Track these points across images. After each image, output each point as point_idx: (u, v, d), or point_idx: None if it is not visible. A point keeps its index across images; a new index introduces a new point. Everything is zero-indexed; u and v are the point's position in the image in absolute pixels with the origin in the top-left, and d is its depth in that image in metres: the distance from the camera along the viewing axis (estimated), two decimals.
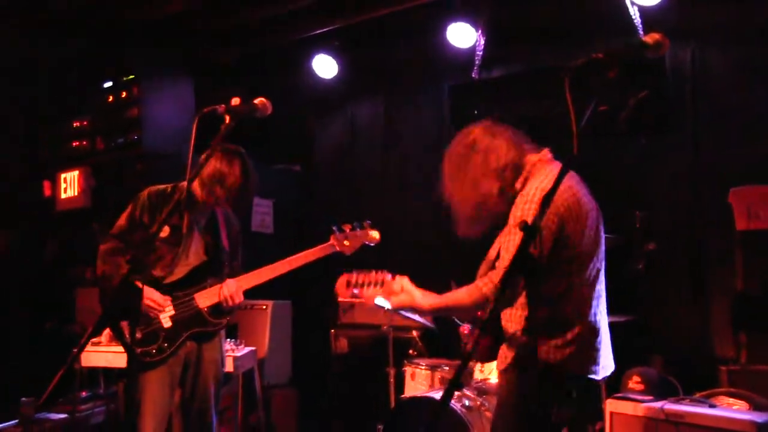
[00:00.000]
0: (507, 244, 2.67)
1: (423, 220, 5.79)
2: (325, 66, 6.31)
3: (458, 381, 2.61)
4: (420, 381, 4.73)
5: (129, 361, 3.77)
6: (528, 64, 5.75)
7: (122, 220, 3.86)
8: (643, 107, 4.93)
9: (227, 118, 2.75)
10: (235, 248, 4.01)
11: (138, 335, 3.69)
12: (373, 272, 2.97)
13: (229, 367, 4.38)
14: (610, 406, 3.85)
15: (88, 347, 4.69)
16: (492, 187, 2.82)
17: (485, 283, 2.69)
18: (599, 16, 5.27)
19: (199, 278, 3.82)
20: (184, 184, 3.84)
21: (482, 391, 4.32)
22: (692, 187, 4.87)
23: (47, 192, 6.20)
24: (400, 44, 6.22)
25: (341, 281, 3.00)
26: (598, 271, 2.79)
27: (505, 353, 2.78)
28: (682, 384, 4.14)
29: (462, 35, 5.64)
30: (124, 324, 3.71)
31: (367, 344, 5.77)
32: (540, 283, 2.59)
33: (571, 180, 2.76)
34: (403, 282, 2.87)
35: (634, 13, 5.04)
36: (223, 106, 2.78)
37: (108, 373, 5.04)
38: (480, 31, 5.65)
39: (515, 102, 5.63)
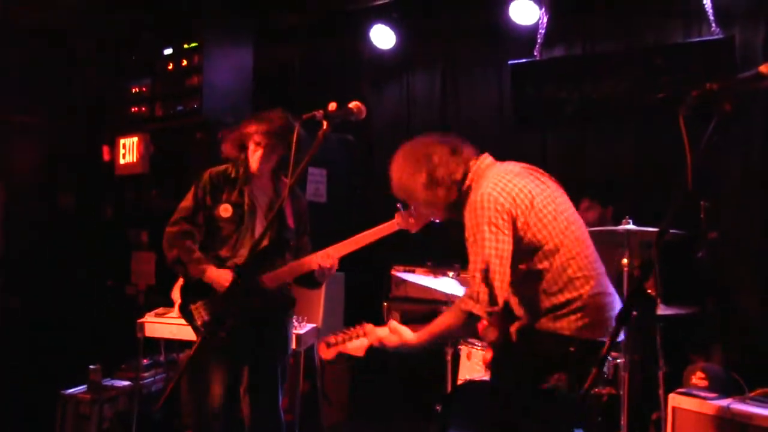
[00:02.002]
0: (474, 256, 2.76)
1: None
2: (383, 36, 6.29)
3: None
4: (476, 361, 4.73)
5: (199, 343, 3.84)
6: (591, 45, 5.65)
7: (187, 201, 3.88)
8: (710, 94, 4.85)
9: (325, 124, 2.79)
10: (302, 224, 4.01)
11: (206, 318, 3.74)
12: (351, 329, 3.04)
13: (292, 344, 4.44)
14: (673, 401, 3.86)
15: (152, 317, 4.81)
16: (440, 195, 2.97)
17: (463, 301, 2.78)
18: None
19: (266, 258, 3.81)
20: (242, 157, 3.88)
21: None
22: (761, 177, 4.81)
23: (106, 157, 6.25)
24: (461, 18, 6.13)
25: (322, 346, 3.07)
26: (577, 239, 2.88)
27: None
28: (743, 376, 4.15)
29: (525, 12, 5.57)
30: (194, 307, 3.78)
31: (420, 318, 5.82)
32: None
33: (510, 174, 2.88)
34: (390, 324, 2.97)
35: None
36: (321, 111, 2.82)
37: (168, 341, 5.13)
38: (543, 9, 5.57)
39: (576, 82, 5.55)
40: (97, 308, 6.09)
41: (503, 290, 2.73)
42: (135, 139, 6.07)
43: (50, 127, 6.25)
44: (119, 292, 6.14)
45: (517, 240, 2.78)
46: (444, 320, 2.89)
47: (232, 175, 3.87)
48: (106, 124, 6.37)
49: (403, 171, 3.03)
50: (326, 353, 3.05)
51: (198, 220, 3.83)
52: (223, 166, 3.94)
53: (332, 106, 2.86)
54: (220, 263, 3.76)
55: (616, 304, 2.89)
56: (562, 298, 2.80)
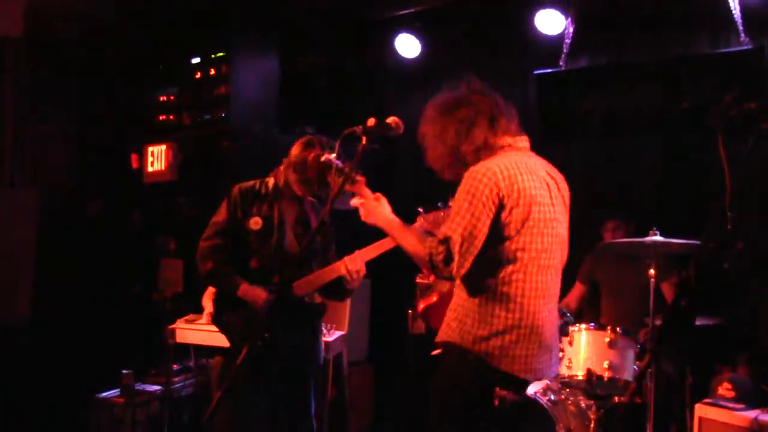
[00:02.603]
0: (451, 220, 2.77)
1: None
2: (408, 45, 6.35)
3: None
4: None
5: (232, 354, 3.94)
6: (617, 56, 5.69)
7: (220, 216, 3.97)
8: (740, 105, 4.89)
9: (364, 139, 2.87)
10: (327, 240, 4.10)
11: (240, 329, 3.84)
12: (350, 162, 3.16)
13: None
14: (699, 411, 3.93)
15: (183, 324, 4.91)
16: (464, 155, 2.96)
17: (429, 247, 2.79)
18: (693, 7, 5.21)
19: (293, 269, 3.88)
20: (270, 178, 4.00)
21: (567, 384, 4.42)
22: None
23: (134, 164, 6.36)
24: (486, 28, 6.17)
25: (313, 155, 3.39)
26: (546, 267, 2.85)
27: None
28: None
29: (551, 22, 5.61)
30: (227, 318, 3.87)
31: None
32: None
33: (524, 167, 2.86)
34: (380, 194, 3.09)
35: (734, 5, 4.98)
36: (360, 127, 2.91)
37: (198, 347, 5.23)
38: (569, 19, 5.62)
39: (602, 93, 5.62)
40: (124, 314, 6.19)
41: (463, 266, 2.72)
42: (163, 147, 6.17)
43: (80, 135, 6.37)
44: (146, 298, 6.25)
45: (494, 227, 2.75)
46: (411, 238, 2.93)
47: (262, 192, 3.97)
48: (134, 133, 6.48)
49: (440, 113, 3.13)
50: (313, 162, 3.43)
51: (231, 233, 3.93)
52: (251, 182, 4.04)
53: (371, 121, 2.93)
54: (250, 274, 3.85)
55: (542, 355, 2.85)
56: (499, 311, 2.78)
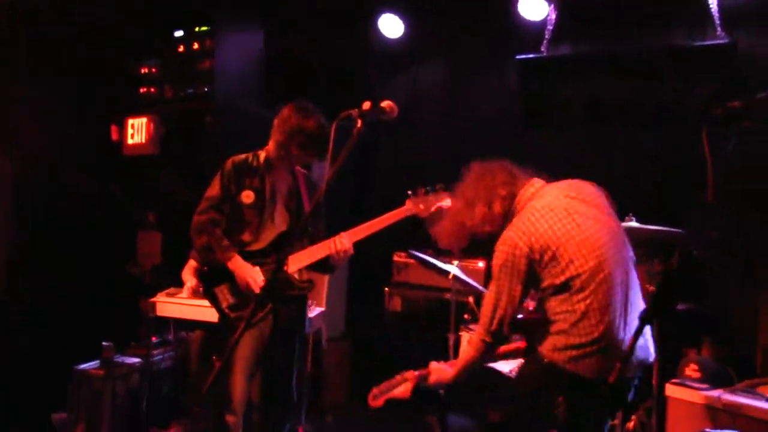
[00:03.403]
0: (489, 291, 3.10)
1: None
2: (391, 25, 6.46)
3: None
4: None
5: (222, 325, 4.06)
6: (598, 45, 5.81)
7: (214, 190, 4.06)
8: (713, 98, 5.06)
9: (359, 122, 2.94)
10: (318, 215, 4.20)
11: (231, 300, 3.95)
12: (393, 379, 3.46)
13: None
14: (668, 390, 4.11)
15: (164, 297, 4.99)
16: (485, 225, 3.26)
17: (478, 332, 3.16)
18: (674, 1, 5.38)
19: (285, 243, 4.00)
20: (262, 151, 4.09)
21: None
22: (755, 174, 4.99)
23: (114, 136, 6.37)
24: (470, 10, 6.28)
25: (370, 396, 3.47)
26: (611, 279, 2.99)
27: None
28: (732, 368, 4.40)
29: (534, 8, 5.76)
30: (218, 290, 3.98)
31: (421, 304, 6.05)
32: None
33: (538, 213, 3.09)
34: (431, 366, 3.36)
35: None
36: (356, 110, 2.98)
37: (178, 321, 5.31)
38: (552, 6, 5.75)
39: (583, 81, 5.73)
40: (102, 287, 6.25)
41: (506, 324, 3.06)
42: (144, 120, 6.20)
43: (58, 106, 6.35)
44: (124, 271, 6.30)
45: (534, 279, 3.03)
46: (467, 353, 3.27)
47: (254, 164, 4.06)
48: (114, 104, 6.48)
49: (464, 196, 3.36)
50: (375, 402, 3.44)
51: (225, 208, 4.03)
52: (244, 155, 4.13)
53: (366, 104, 3.01)
54: (242, 247, 3.97)
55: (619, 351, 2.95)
56: (573, 339, 2.94)
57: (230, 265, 3.89)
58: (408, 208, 4.07)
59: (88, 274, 6.22)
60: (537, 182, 3.25)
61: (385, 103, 3.05)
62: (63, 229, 6.20)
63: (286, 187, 4.12)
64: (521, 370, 3.39)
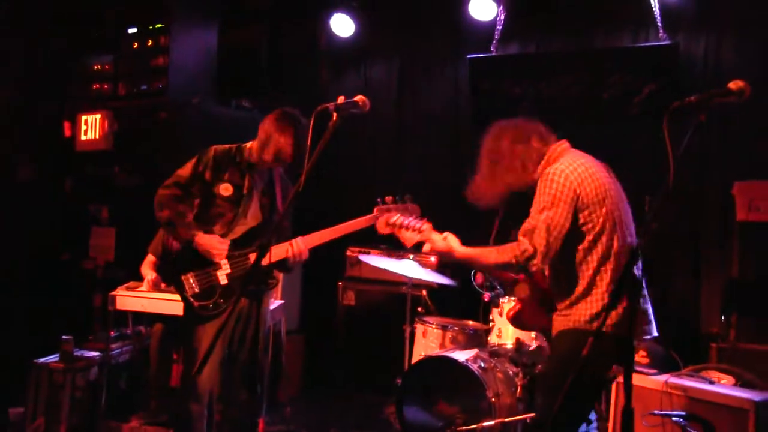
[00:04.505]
0: (535, 220, 3.11)
1: (430, 182, 6.14)
2: (343, 24, 6.56)
3: None
4: (431, 339, 5.05)
5: (186, 313, 4.12)
6: (545, 44, 6.05)
7: (185, 171, 4.11)
8: (656, 96, 5.32)
9: (335, 115, 3.08)
10: (287, 209, 4.30)
11: (197, 290, 4.02)
12: (413, 219, 3.47)
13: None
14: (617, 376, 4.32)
15: (124, 291, 5.02)
16: (521, 177, 3.32)
17: (517, 248, 3.11)
18: (619, 2, 5.63)
19: (255, 239, 4.09)
20: (246, 145, 4.18)
21: (495, 353, 4.77)
22: (698, 177, 5.29)
23: (67, 132, 6.38)
24: (421, 11, 6.45)
25: (382, 220, 3.54)
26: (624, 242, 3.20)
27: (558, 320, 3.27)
28: (678, 353, 4.65)
29: (483, 8, 5.92)
30: (185, 278, 4.05)
31: (374, 297, 6.18)
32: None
33: (585, 158, 3.27)
34: (447, 234, 3.34)
35: (654, 2, 5.39)
36: (332, 104, 3.11)
37: (136, 315, 5.36)
38: (501, 7, 5.94)
39: (531, 79, 5.92)
40: (53, 282, 6.24)
41: (549, 256, 3.09)
42: (98, 116, 6.21)
43: (10, 100, 6.33)
44: (76, 266, 6.30)
45: (575, 218, 3.12)
46: (491, 253, 3.22)
47: (237, 159, 4.14)
48: (66, 100, 6.48)
49: (501, 141, 3.38)
50: (383, 228, 3.50)
51: (192, 189, 4.09)
52: (227, 146, 4.19)
53: (341, 99, 3.15)
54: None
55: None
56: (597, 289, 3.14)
57: (196, 240, 3.97)
58: (375, 215, 4.15)
59: (41, 270, 6.21)
60: (564, 143, 3.39)
61: (358, 98, 3.17)
62: (15, 224, 6.18)
63: (262, 184, 4.22)
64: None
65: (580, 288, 3.15)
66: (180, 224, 4.01)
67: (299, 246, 4.01)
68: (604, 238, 3.12)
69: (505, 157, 3.35)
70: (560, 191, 3.12)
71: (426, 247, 3.39)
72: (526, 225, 3.13)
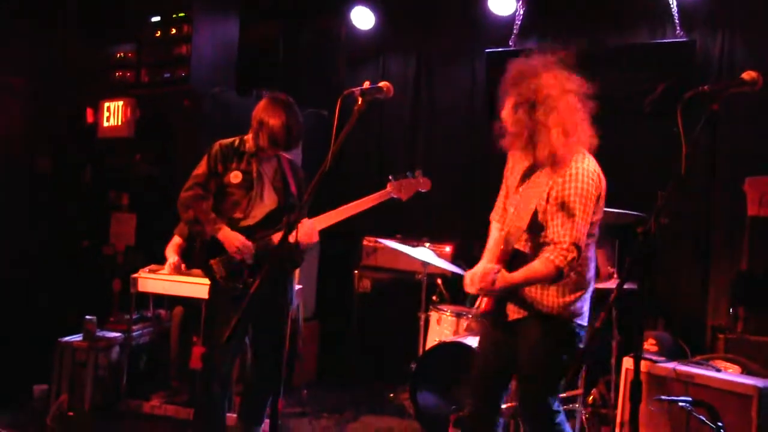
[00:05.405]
0: (569, 220, 3.22)
1: (445, 176, 6.20)
2: (362, 17, 6.74)
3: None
4: (445, 327, 5.17)
5: (213, 295, 4.30)
6: (564, 39, 6.12)
7: (200, 170, 4.30)
8: (669, 93, 5.44)
9: (360, 100, 3.18)
10: (301, 192, 4.43)
11: (225, 273, 4.21)
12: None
13: None
14: (626, 363, 4.46)
15: (146, 273, 5.20)
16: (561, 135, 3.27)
17: (557, 258, 3.19)
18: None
19: (275, 221, 4.27)
20: (248, 136, 4.35)
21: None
22: (709, 172, 5.41)
23: (89, 119, 6.53)
24: (440, 5, 6.60)
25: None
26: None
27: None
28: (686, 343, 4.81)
29: (503, 3, 6.08)
30: (213, 262, 4.23)
31: (389, 286, 6.34)
32: None
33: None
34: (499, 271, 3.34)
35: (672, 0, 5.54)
36: (358, 89, 3.21)
37: (156, 298, 5.54)
38: (521, 2, 6.09)
39: None
40: (76, 267, 6.42)
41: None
42: (120, 103, 6.36)
43: (32, 88, 6.50)
44: (97, 252, 6.48)
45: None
46: (536, 268, 3.27)
47: (241, 148, 4.32)
48: (89, 88, 6.63)
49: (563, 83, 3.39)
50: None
51: (210, 186, 4.27)
52: (231, 139, 4.37)
53: (366, 84, 3.24)
54: (235, 224, 4.22)
55: None
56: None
57: (220, 236, 4.14)
58: (389, 191, 4.32)
59: (62, 256, 6.39)
60: None
61: (383, 84, 3.27)
62: (34, 210, 6.36)
63: (272, 170, 4.38)
64: None
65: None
66: (206, 221, 4.18)
67: (305, 229, 4.11)
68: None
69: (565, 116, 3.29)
70: (593, 194, 3.27)
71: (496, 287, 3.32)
72: (571, 235, 3.23)
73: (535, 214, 3.32)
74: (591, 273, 3.47)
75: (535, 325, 3.41)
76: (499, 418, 3.62)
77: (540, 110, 3.30)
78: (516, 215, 3.40)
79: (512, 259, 3.36)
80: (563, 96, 3.33)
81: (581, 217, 3.23)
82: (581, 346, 3.42)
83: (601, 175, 3.33)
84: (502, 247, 3.40)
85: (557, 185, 3.30)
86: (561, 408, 3.48)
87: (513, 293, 3.40)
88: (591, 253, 3.45)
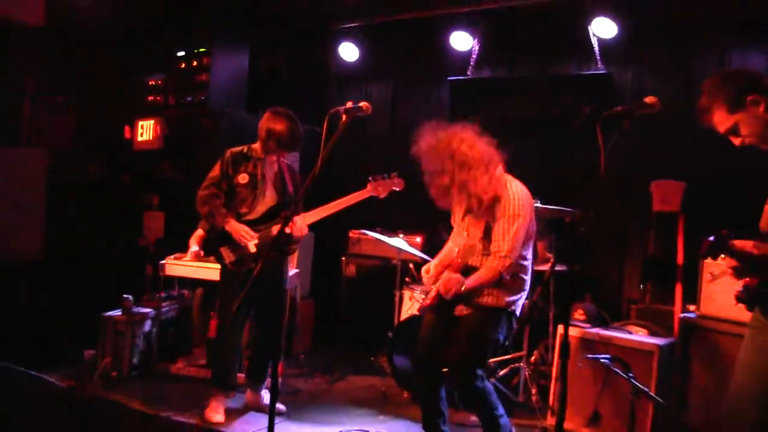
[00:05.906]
0: (506, 233, 3.52)
1: (417, 179, 6.32)
2: (349, 51, 6.85)
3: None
4: (415, 303, 5.18)
5: (223, 277, 4.44)
6: (510, 70, 6.30)
7: (215, 172, 4.44)
8: (594, 113, 5.58)
9: (344, 117, 3.26)
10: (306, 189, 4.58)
11: (233, 258, 4.36)
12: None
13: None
14: (560, 329, 4.62)
15: (172, 260, 5.30)
16: (482, 182, 3.55)
17: (498, 264, 3.53)
18: (568, 36, 5.86)
19: (274, 215, 4.42)
20: (255, 145, 4.47)
21: None
22: (624, 176, 5.55)
23: (127, 135, 6.64)
24: (412, 41, 6.69)
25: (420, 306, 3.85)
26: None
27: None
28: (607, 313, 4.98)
29: (462, 40, 6.20)
30: (222, 249, 4.37)
31: (371, 270, 6.45)
32: None
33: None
34: (450, 274, 3.58)
35: (594, 40, 5.68)
36: (342, 107, 3.27)
37: (182, 280, 5.63)
38: (476, 39, 6.23)
39: (499, 100, 6.16)
40: (117, 255, 6.54)
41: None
42: (151, 121, 6.48)
43: (82, 109, 6.61)
44: (133, 243, 6.58)
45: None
46: (482, 275, 3.56)
47: (249, 154, 4.46)
48: (126, 109, 6.74)
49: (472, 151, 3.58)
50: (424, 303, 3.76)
51: (222, 186, 4.41)
52: (240, 147, 4.50)
53: (349, 104, 3.31)
54: (241, 218, 4.38)
55: None
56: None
57: (228, 227, 4.29)
58: (368, 190, 4.42)
59: (105, 245, 6.50)
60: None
61: (363, 104, 3.33)
62: (85, 208, 6.47)
63: (273, 172, 4.52)
64: None
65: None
66: (218, 215, 4.32)
67: (298, 223, 4.20)
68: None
69: (479, 167, 3.52)
70: (528, 206, 3.56)
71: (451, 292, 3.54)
72: (506, 246, 3.51)
73: (485, 233, 3.58)
74: (528, 276, 3.69)
75: (476, 314, 3.63)
76: (441, 386, 3.78)
77: (455, 169, 3.54)
78: (469, 237, 3.66)
79: (465, 271, 3.62)
80: (470, 149, 3.55)
81: (515, 231, 3.50)
82: (514, 327, 3.70)
83: (527, 192, 3.57)
84: (459, 260, 3.62)
85: (498, 208, 3.56)
86: (485, 375, 3.62)
87: (466, 296, 3.59)
88: (529, 261, 3.65)
